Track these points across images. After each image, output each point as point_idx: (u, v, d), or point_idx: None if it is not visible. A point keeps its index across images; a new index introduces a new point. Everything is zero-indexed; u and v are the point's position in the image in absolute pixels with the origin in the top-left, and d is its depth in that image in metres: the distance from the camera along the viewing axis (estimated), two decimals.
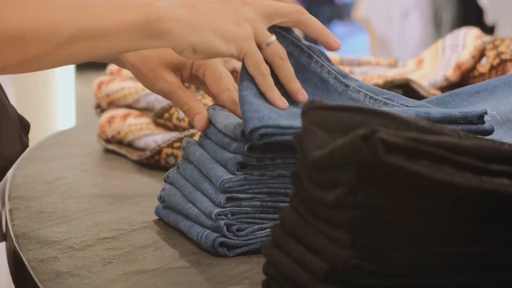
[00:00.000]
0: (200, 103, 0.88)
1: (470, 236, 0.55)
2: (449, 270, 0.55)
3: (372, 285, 0.54)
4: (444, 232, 0.55)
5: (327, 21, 7.99)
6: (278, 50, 0.82)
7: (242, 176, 0.77)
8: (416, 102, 0.86)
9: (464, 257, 0.55)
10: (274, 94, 0.81)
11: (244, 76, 0.81)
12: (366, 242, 0.54)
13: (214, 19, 0.80)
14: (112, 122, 1.23)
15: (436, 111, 0.79)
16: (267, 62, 0.82)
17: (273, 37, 0.82)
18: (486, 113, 0.80)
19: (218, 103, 0.88)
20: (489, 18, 3.47)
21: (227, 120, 0.81)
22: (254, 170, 0.78)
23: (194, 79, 0.94)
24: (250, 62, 0.81)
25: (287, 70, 0.83)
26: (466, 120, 0.78)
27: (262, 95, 0.81)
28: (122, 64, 0.96)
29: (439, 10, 3.99)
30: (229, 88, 0.89)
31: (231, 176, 0.77)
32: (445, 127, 0.59)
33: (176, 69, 0.93)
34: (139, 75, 0.93)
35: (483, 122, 0.79)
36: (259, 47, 0.82)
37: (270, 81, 0.82)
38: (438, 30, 3.86)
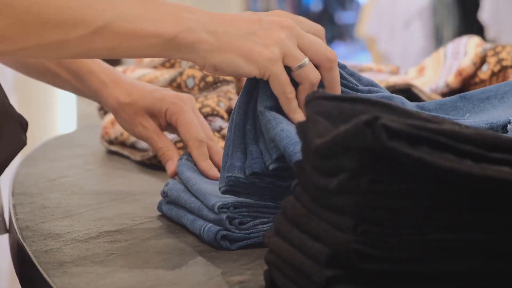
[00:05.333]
0: (173, 149, 0.96)
1: (470, 223, 0.56)
2: (450, 256, 0.55)
3: (373, 270, 0.55)
4: (445, 219, 0.55)
5: (328, 41, 8.01)
6: (310, 74, 0.79)
7: (250, 181, 0.77)
8: (420, 103, 0.87)
9: (464, 244, 0.56)
10: (298, 116, 0.78)
11: (263, 90, 0.79)
12: (367, 227, 0.55)
13: (240, 41, 0.78)
14: (115, 123, 1.24)
15: (464, 122, 0.80)
16: (295, 84, 0.79)
17: (306, 60, 0.79)
18: (510, 122, 0.81)
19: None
20: (489, 34, 3.49)
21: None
22: (266, 177, 0.77)
23: (171, 128, 1.01)
24: (275, 85, 0.78)
25: None
26: (492, 130, 0.80)
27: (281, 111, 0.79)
28: (102, 104, 1.03)
29: (440, 26, 4.02)
30: (197, 136, 0.95)
31: (240, 176, 0.77)
32: (447, 119, 0.60)
33: (153, 115, 1.00)
34: (119, 118, 1.01)
35: (507, 132, 0.80)
36: (289, 69, 0.78)
37: (295, 103, 0.79)
38: (439, 46, 3.88)
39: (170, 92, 1.01)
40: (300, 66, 0.78)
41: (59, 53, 0.78)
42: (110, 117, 1.26)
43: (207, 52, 0.77)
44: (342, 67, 0.84)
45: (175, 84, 1.19)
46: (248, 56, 0.77)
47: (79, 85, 1.03)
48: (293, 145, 0.72)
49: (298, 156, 0.71)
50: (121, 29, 0.75)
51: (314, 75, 0.79)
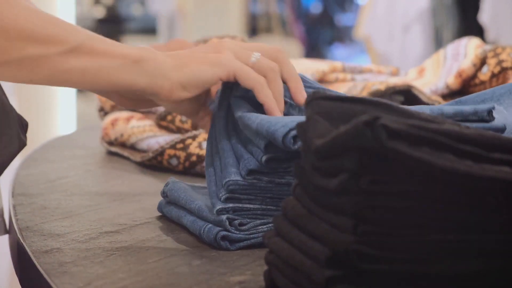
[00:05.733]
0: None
1: (470, 223, 0.56)
2: (450, 257, 0.55)
3: (373, 270, 0.55)
4: (445, 219, 0.55)
5: (327, 43, 8.03)
6: (267, 63, 0.83)
7: (249, 182, 0.77)
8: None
9: (464, 244, 0.56)
10: (273, 103, 0.81)
11: (236, 102, 0.82)
12: (367, 228, 0.55)
13: (195, 55, 0.83)
14: (115, 124, 1.24)
15: (449, 107, 0.80)
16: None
17: (257, 54, 0.83)
18: (494, 108, 0.80)
19: None
20: (489, 36, 3.49)
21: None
22: (264, 176, 0.78)
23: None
24: (243, 76, 0.81)
25: (279, 85, 0.83)
26: (476, 115, 0.79)
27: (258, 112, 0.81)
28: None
29: (439, 28, 4.02)
30: None
31: (238, 179, 0.77)
32: (446, 119, 0.60)
33: None
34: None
35: (493, 118, 0.80)
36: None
37: (269, 90, 0.82)
38: (439, 47, 3.88)
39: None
40: (255, 60, 0.82)
41: (35, 72, 0.79)
42: (110, 118, 1.26)
43: (171, 71, 0.81)
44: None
45: (170, 118, 1.19)
46: (208, 62, 0.82)
47: None
48: (273, 125, 0.75)
49: (281, 131, 0.74)
50: (93, 48, 0.79)
51: (271, 63, 0.83)
